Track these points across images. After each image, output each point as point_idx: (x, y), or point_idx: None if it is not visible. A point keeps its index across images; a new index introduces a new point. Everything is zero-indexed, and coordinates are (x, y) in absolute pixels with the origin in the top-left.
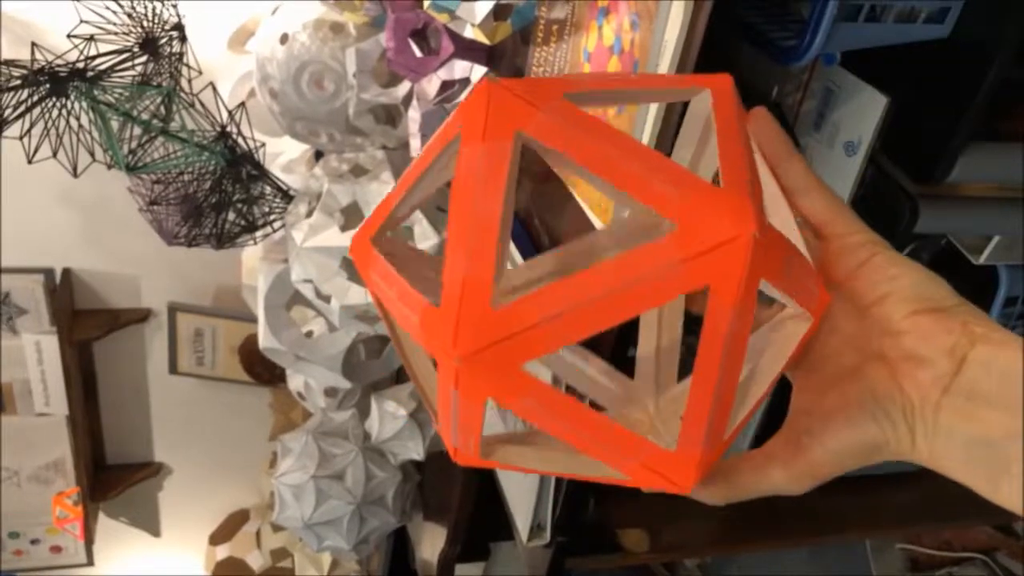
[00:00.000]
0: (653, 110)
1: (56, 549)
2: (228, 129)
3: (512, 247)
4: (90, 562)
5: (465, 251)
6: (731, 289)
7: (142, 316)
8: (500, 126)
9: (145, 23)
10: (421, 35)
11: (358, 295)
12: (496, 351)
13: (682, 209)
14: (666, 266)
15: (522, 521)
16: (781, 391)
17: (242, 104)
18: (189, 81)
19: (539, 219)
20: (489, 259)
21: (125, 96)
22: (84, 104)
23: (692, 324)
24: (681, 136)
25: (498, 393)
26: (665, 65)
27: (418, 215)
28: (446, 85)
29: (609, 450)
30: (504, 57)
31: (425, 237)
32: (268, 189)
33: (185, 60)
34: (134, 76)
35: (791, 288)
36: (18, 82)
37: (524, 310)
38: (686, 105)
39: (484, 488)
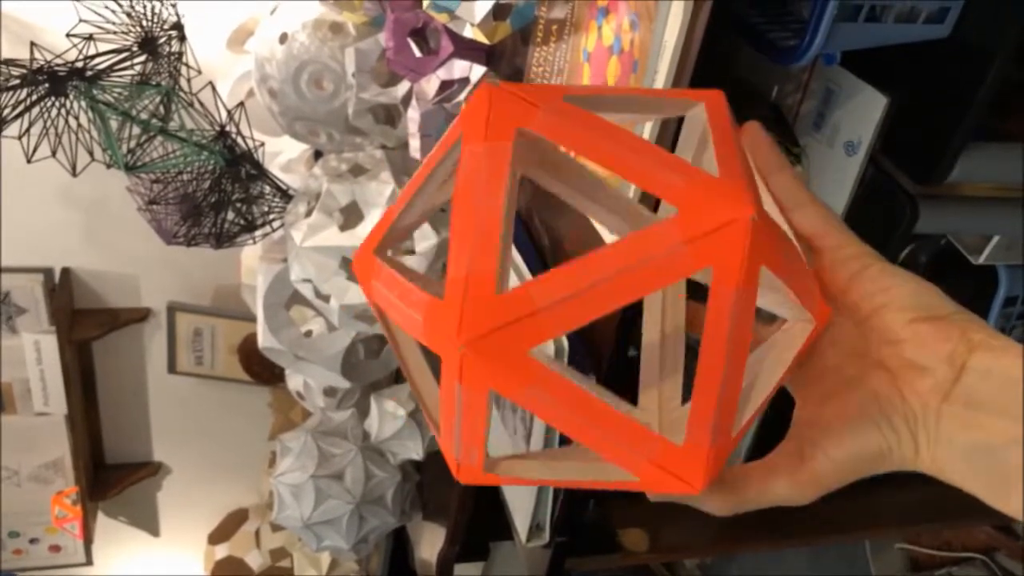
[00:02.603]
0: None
1: (55, 548)
2: (227, 128)
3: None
4: (89, 561)
5: (469, 246)
6: (733, 269)
7: (141, 316)
8: (501, 125)
9: (144, 22)
10: (420, 35)
11: (357, 294)
12: (501, 335)
13: (683, 193)
14: (669, 247)
15: (521, 521)
16: (775, 405)
17: (241, 104)
18: (188, 80)
19: (539, 219)
20: (493, 253)
21: (124, 95)
22: (83, 103)
23: (693, 354)
24: (679, 147)
25: (503, 381)
26: (665, 65)
27: None
28: (445, 85)
29: (615, 445)
30: (504, 57)
31: (424, 237)
32: (267, 188)
33: (184, 59)
34: (133, 75)
35: (791, 279)
36: (17, 81)
37: (529, 295)
38: (682, 118)
39: (483, 488)
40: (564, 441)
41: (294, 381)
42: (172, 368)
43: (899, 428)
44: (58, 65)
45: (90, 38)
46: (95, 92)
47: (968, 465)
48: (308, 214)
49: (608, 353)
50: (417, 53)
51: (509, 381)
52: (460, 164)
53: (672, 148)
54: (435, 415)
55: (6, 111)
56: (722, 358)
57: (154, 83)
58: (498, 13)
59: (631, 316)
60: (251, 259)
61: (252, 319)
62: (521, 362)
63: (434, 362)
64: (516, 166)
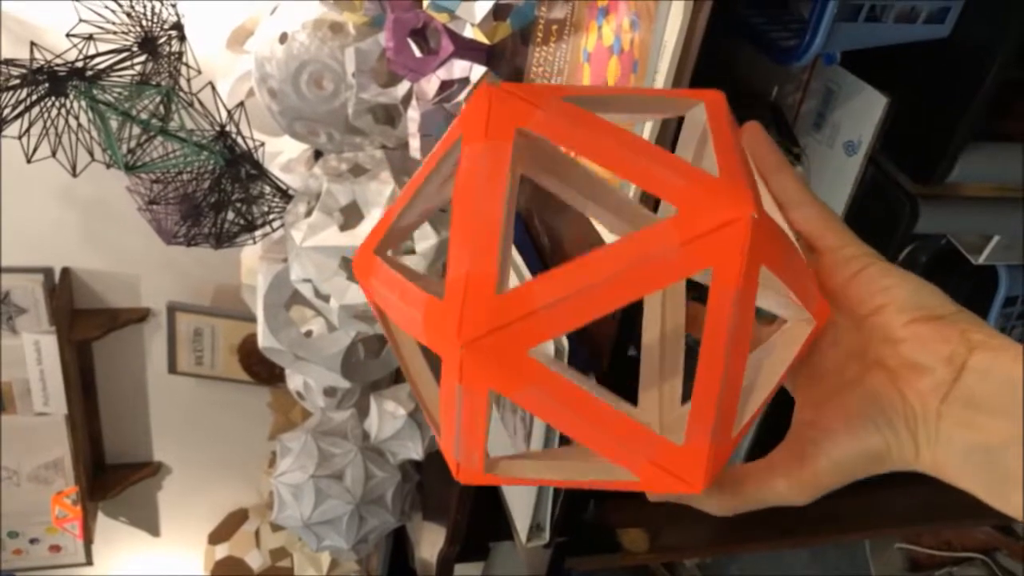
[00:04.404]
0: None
1: (55, 548)
2: (227, 128)
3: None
4: (89, 561)
5: (469, 247)
6: (733, 270)
7: (141, 316)
8: (501, 124)
9: (144, 22)
10: (420, 35)
11: (357, 294)
12: (501, 336)
13: (683, 193)
14: (667, 248)
15: (521, 521)
16: (775, 405)
17: (241, 103)
18: (188, 80)
19: (539, 219)
20: (493, 253)
21: (124, 95)
22: (83, 103)
23: (693, 354)
24: (679, 147)
25: (503, 381)
26: (665, 65)
27: None
28: (445, 85)
29: (616, 444)
30: (503, 57)
31: (424, 237)
32: (267, 188)
33: (184, 59)
34: (133, 75)
35: (792, 279)
36: (17, 81)
37: (529, 295)
38: (682, 117)
39: (483, 488)
40: (564, 441)
41: (294, 381)
42: (172, 368)
43: (899, 428)
44: (58, 65)
45: (90, 38)
46: (95, 92)
47: (967, 465)
48: (308, 214)
49: (608, 353)
50: (417, 53)
51: (509, 381)
52: (460, 164)
53: (672, 148)
54: (435, 415)
55: (6, 111)
56: (722, 358)
57: (154, 83)
58: (498, 13)
59: (631, 316)
60: (251, 259)
61: (252, 319)
62: (521, 362)
63: (434, 362)
64: (516, 166)
